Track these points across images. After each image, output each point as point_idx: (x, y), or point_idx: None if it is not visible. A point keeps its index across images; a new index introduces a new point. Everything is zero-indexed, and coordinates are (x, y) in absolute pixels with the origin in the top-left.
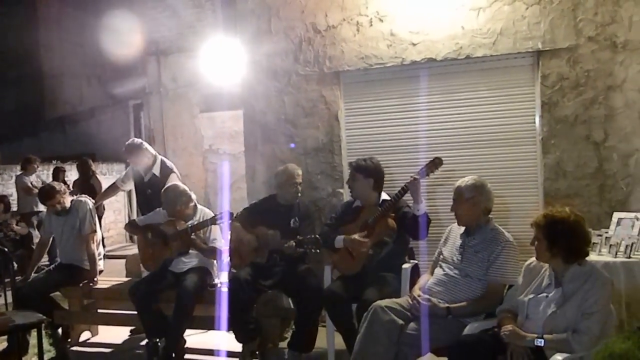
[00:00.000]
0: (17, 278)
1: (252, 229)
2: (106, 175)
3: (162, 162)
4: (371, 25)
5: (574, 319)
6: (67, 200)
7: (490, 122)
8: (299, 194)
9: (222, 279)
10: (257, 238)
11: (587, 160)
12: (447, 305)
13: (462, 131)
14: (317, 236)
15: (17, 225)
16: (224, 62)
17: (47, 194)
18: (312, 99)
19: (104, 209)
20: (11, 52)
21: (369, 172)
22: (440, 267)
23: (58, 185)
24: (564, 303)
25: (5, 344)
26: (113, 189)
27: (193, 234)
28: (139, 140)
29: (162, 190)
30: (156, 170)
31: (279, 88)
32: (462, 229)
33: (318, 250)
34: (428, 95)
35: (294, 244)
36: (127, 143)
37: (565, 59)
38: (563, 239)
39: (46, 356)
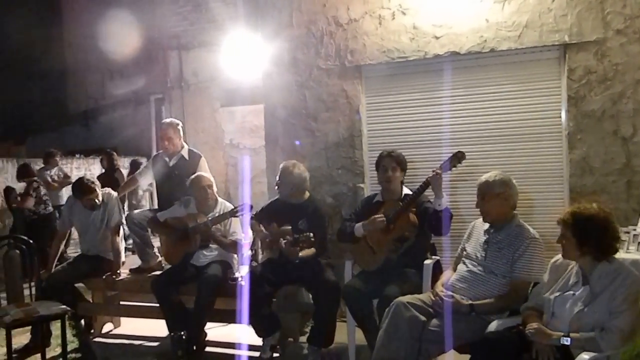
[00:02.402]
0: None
1: (267, 226)
2: (128, 169)
3: (190, 148)
4: (393, 18)
5: (602, 318)
6: (101, 195)
7: (515, 116)
8: (301, 191)
9: (242, 273)
10: (270, 234)
11: (615, 155)
12: (470, 302)
13: (486, 126)
14: (311, 234)
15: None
16: (245, 57)
17: (88, 189)
18: (333, 93)
19: (125, 199)
20: (36, 47)
21: (404, 166)
22: (464, 263)
23: (95, 179)
24: (592, 301)
25: (28, 335)
26: (132, 181)
27: (213, 226)
28: (178, 120)
29: (190, 178)
30: (185, 153)
31: (300, 82)
32: (486, 225)
33: (311, 249)
34: (451, 90)
35: (290, 240)
36: (166, 120)
37: (592, 52)
38: (593, 236)
39: (69, 347)
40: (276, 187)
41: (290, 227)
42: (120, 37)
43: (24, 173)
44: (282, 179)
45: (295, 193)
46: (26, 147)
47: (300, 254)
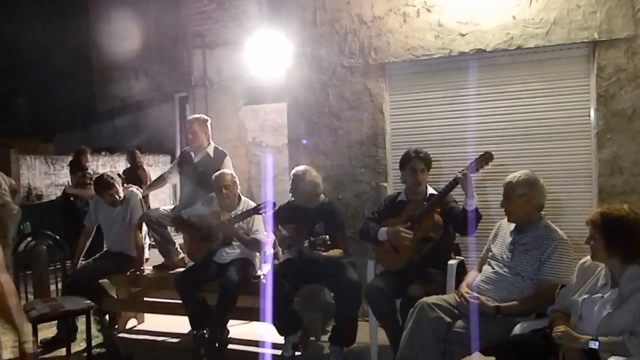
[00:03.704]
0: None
1: (284, 226)
2: (152, 167)
3: (215, 146)
4: (418, 15)
5: (631, 321)
6: (122, 191)
7: (542, 115)
8: (316, 196)
9: (264, 271)
10: (288, 236)
11: None
12: (496, 304)
13: (513, 124)
14: (327, 237)
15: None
16: (269, 55)
17: (107, 184)
18: (357, 91)
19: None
20: (64, 48)
21: (430, 166)
22: (489, 264)
23: (116, 176)
24: (621, 304)
25: (54, 330)
26: (160, 180)
27: (236, 224)
28: (207, 117)
29: (215, 174)
30: (210, 151)
31: (324, 80)
32: (512, 225)
33: (338, 250)
34: (477, 88)
35: (307, 244)
36: (195, 115)
37: (622, 50)
38: (621, 238)
39: (94, 342)
40: (290, 194)
41: (305, 231)
42: (145, 35)
43: (76, 166)
44: (294, 186)
45: (310, 198)
46: (54, 144)
47: (324, 254)
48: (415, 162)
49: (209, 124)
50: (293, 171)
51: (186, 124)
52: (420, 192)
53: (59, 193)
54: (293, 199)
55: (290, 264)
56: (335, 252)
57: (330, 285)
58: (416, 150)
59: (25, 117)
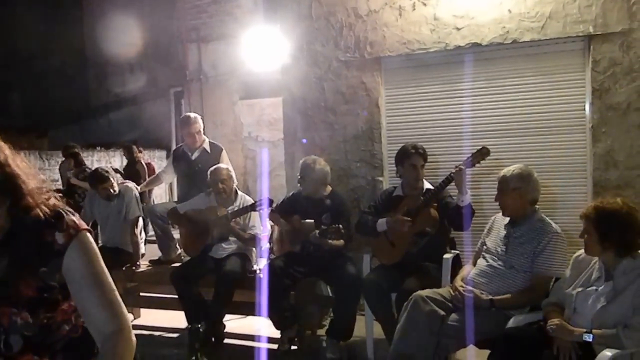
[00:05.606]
0: None
1: (288, 219)
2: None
3: (210, 141)
4: (414, 9)
5: (625, 314)
6: (116, 185)
7: (537, 109)
8: (324, 186)
9: (260, 266)
10: (292, 227)
11: None
12: (490, 297)
13: (508, 119)
14: (340, 226)
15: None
16: (264, 49)
17: (102, 177)
18: (353, 86)
19: (149, 196)
20: (58, 43)
21: (427, 160)
22: (484, 257)
23: (110, 170)
24: (615, 297)
25: None
26: (156, 179)
27: (233, 220)
28: (198, 115)
29: (210, 169)
30: (206, 146)
31: (319, 75)
32: (507, 219)
33: (341, 240)
34: (472, 82)
35: (317, 233)
36: (191, 115)
37: (618, 44)
38: (615, 232)
39: None
40: (298, 185)
41: (312, 221)
42: (140, 30)
43: (75, 162)
44: (304, 176)
45: (318, 188)
46: (48, 139)
47: (331, 242)
48: (415, 159)
49: (199, 118)
50: (302, 161)
51: (183, 124)
52: (418, 187)
53: (54, 188)
54: (301, 189)
55: (290, 258)
56: (339, 243)
57: (329, 279)
58: (414, 146)
59: (20, 112)
